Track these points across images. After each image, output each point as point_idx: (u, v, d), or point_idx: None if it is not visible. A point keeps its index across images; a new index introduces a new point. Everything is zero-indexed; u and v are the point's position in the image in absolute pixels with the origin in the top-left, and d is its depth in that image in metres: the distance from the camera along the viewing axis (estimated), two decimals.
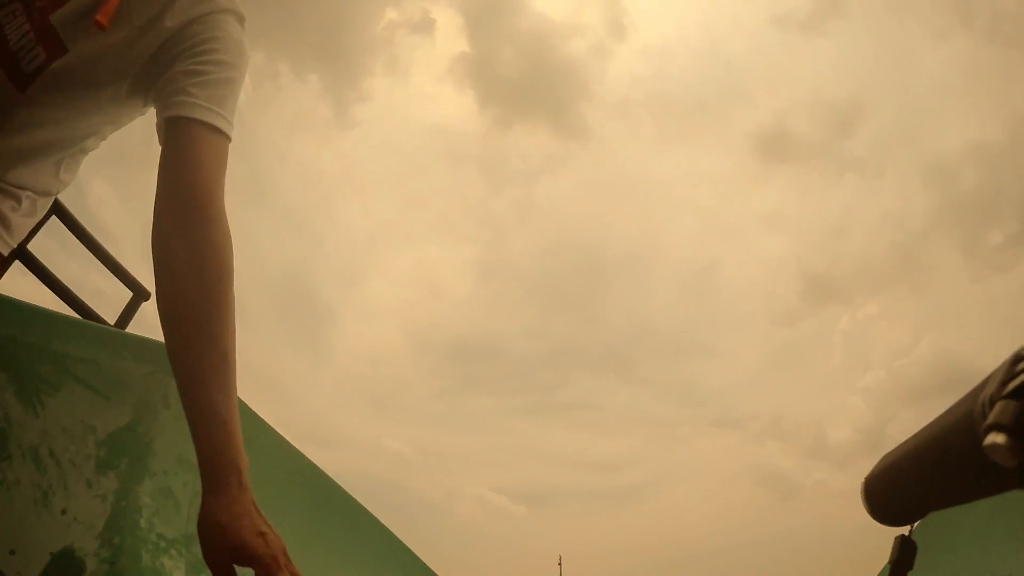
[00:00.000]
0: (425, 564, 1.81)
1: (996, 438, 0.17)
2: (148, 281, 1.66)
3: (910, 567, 0.31)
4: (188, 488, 0.88)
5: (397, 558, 1.66)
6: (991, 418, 0.18)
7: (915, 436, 0.25)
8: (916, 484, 0.25)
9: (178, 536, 0.84)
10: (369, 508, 1.59)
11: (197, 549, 0.88)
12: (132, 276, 1.65)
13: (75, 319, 1.12)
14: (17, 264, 1.34)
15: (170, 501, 0.85)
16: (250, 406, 1.14)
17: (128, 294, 1.66)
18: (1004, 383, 0.18)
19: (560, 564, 24.71)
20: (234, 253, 0.66)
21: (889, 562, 0.76)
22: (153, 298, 0.66)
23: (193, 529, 0.89)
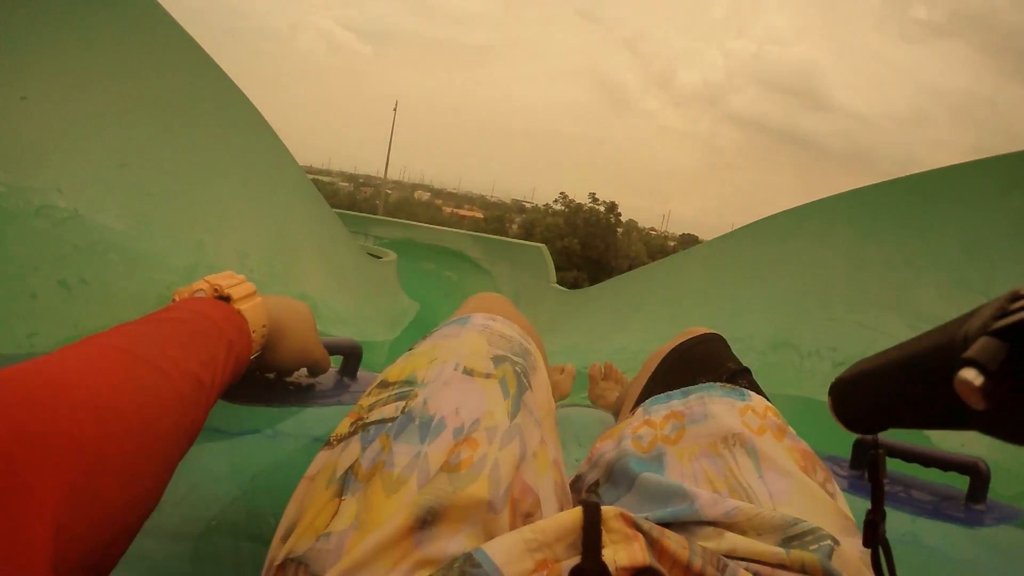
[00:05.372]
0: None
1: (967, 374, 0.16)
2: None
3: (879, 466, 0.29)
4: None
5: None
6: (969, 351, 0.16)
7: (891, 350, 0.23)
8: (882, 399, 0.23)
9: None
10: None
11: None
12: None
13: None
14: None
15: None
16: None
17: None
18: (994, 318, 0.16)
19: (395, 110, 23.75)
20: None
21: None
22: None
23: None
